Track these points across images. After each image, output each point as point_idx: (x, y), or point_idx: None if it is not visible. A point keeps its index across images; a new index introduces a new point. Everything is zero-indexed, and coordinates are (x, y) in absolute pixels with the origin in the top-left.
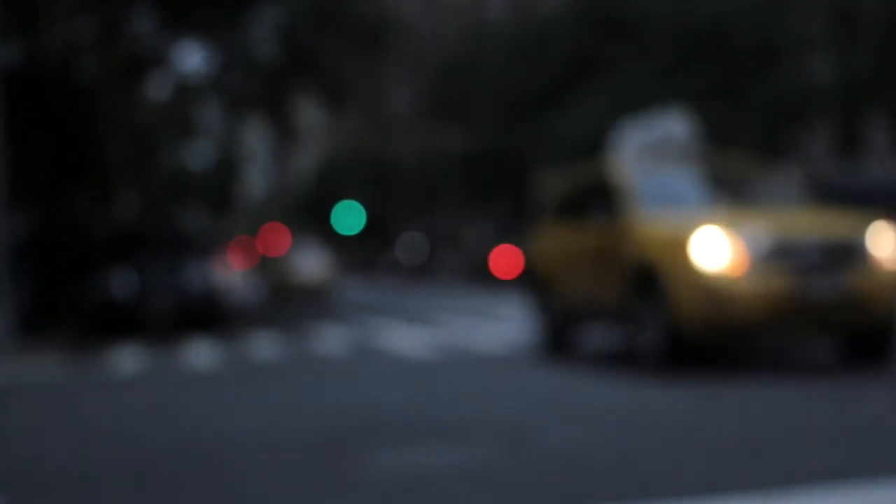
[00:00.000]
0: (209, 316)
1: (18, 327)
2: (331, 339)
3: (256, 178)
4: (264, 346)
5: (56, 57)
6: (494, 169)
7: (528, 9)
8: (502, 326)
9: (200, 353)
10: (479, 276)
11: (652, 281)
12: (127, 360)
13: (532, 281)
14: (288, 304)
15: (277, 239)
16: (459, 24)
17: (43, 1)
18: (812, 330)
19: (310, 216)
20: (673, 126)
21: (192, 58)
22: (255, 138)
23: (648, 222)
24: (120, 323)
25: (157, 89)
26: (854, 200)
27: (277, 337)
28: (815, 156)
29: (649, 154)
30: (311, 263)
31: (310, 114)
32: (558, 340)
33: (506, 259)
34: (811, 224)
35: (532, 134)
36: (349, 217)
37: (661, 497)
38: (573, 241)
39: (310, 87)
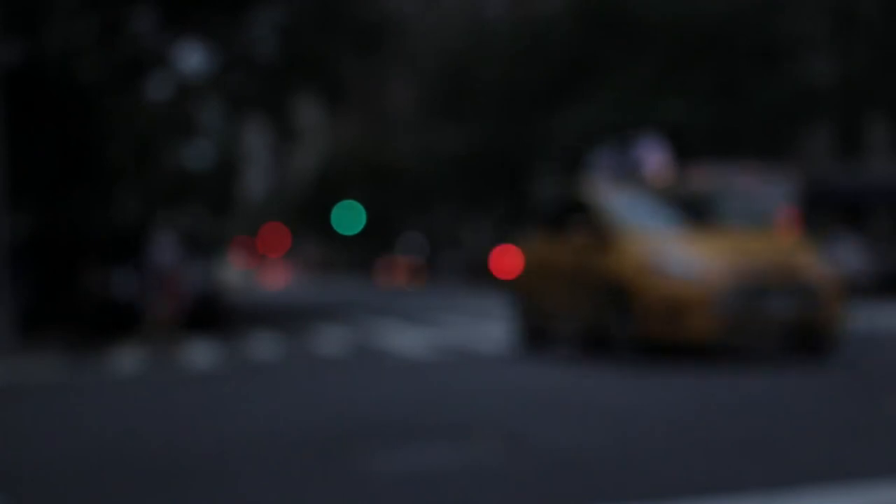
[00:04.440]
0: (209, 316)
1: (19, 327)
2: (331, 339)
3: (256, 178)
4: (264, 346)
5: (56, 57)
6: (493, 169)
7: (528, 9)
8: (502, 326)
9: (200, 353)
10: (479, 276)
11: (622, 296)
12: (127, 360)
13: (515, 288)
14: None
15: (277, 239)
16: (459, 23)
17: (43, 1)
18: (766, 344)
19: (310, 216)
20: (646, 150)
21: (192, 58)
22: (255, 138)
23: (621, 244)
24: (120, 323)
25: (157, 89)
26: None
27: (277, 337)
28: (816, 156)
29: (621, 176)
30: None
31: (310, 114)
32: (539, 337)
33: (506, 259)
34: (765, 247)
35: (531, 134)
36: (349, 217)
37: (661, 497)
38: (552, 255)
39: (310, 87)
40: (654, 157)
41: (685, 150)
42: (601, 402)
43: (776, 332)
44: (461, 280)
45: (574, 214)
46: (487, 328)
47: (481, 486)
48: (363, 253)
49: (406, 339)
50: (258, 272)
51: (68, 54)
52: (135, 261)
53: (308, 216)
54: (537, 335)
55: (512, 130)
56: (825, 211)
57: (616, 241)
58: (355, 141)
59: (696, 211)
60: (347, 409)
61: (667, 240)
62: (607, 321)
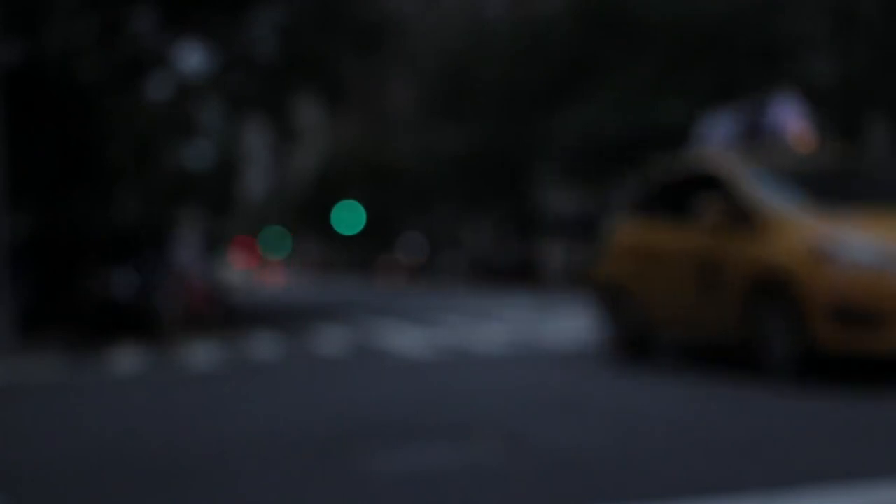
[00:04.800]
0: (213, 315)
1: (19, 327)
2: (331, 339)
3: (256, 178)
4: (264, 346)
5: (56, 57)
6: (493, 169)
7: (528, 9)
8: (502, 326)
9: (200, 353)
10: (479, 276)
11: (781, 293)
12: (127, 360)
13: (604, 283)
14: None
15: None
16: (459, 23)
17: (43, 1)
18: None
19: (310, 216)
20: (779, 112)
21: (192, 58)
22: (255, 138)
23: (774, 226)
24: (120, 323)
25: (157, 89)
26: None
27: (277, 337)
28: None
29: (751, 144)
30: None
31: (310, 114)
32: (634, 347)
33: (505, 259)
34: None
35: (531, 134)
36: (349, 217)
37: (661, 497)
38: (663, 242)
39: (310, 87)
40: (794, 121)
41: (685, 150)
42: (601, 402)
43: None
44: (461, 280)
45: (697, 192)
46: (487, 328)
47: (481, 486)
48: (363, 253)
49: (406, 339)
50: (258, 272)
51: (68, 54)
52: (135, 261)
53: (308, 216)
54: (638, 343)
55: (512, 130)
56: None
57: (767, 221)
58: (355, 141)
59: (861, 185)
60: (347, 409)
61: (839, 219)
62: (755, 326)
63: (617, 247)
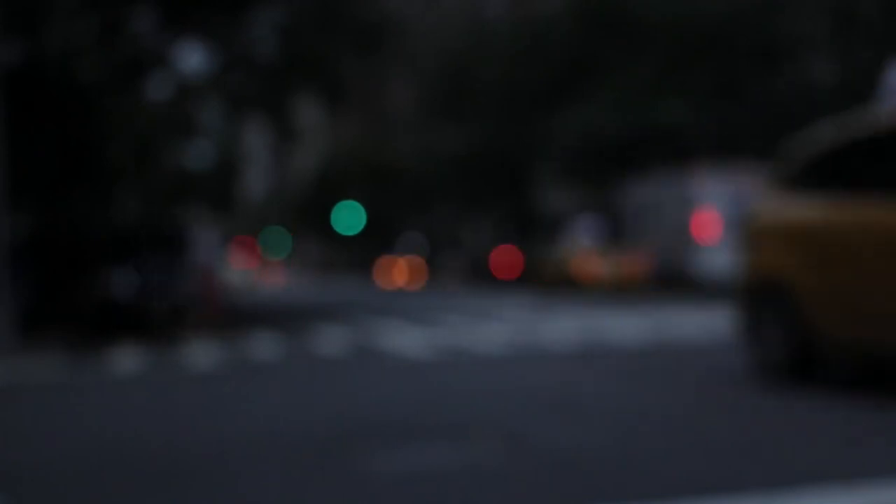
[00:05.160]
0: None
1: (19, 327)
2: (331, 339)
3: (256, 178)
4: (264, 346)
5: (56, 57)
6: (493, 169)
7: (528, 9)
8: (502, 326)
9: (200, 353)
10: (479, 276)
11: None
12: (127, 360)
13: (752, 279)
14: None
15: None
16: (459, 23)
17: (43, 1)
18: None
19: (310, 216)
20: None
21: (192, 58)
22: (255, 138)
23: None
24: (120, 323)
25: (157, 89)
26: None
27: (277, 337)
28: None
29: None
30: None
31: (310, 114)
32: (802, 365)
33: (506, 259)
34: None
35: (531, 134)
36: (349, 217)
37: (661, 497)
38: (850, 224)
39: (310, 87)
40: None
41: (685, 150)
42: (601, 402)
43: None
44: (461, 280)
45: None
46: (487, 328)
47: (481, 486)
48: (363, 253)
49: (406, 339)
50: (258, 272)
51: (68, 54)
52: (135, 261)
53: (308, 216)
54: (802, 360)
55: (512, 130)
56: None
57: None
58: (355, 141)
59: None
60: (347, 409)
61: None
62: None
63: (766, 234)
